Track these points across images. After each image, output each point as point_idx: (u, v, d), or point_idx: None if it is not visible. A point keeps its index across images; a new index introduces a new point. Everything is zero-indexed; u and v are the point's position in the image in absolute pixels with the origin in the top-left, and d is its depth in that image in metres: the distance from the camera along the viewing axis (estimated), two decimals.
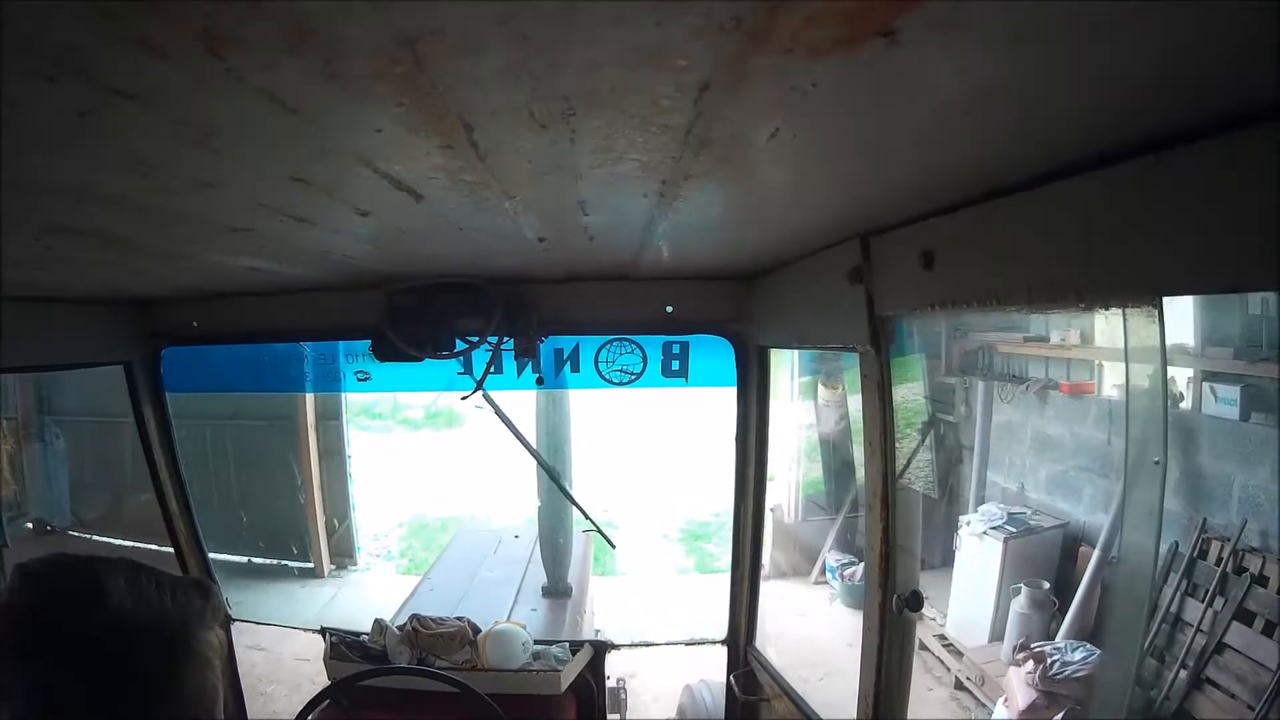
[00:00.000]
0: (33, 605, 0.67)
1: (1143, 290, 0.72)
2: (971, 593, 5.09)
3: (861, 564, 5.52)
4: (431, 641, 2.33)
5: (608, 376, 2.23)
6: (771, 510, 6.94)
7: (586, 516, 2.75)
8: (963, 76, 0.52)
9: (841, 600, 6.15)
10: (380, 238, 1.19)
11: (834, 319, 1.40)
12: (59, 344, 1.79)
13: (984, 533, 5.01)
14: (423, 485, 10.93)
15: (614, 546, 3.03)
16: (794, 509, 7.02)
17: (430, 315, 1.88)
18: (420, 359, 1.92)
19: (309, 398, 6.71)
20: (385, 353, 1.94)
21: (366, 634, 2.40)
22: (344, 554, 7.37)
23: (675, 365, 2.22)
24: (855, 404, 5.96)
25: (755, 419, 2.12)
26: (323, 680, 2.26)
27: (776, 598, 6.26)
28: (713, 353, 2.16)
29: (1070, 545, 4.91)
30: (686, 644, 2.73)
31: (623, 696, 2.59)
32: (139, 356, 2.09)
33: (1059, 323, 4.96)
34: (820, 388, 6.89)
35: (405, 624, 2.38)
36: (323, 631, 2.43)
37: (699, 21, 0.41)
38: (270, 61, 0.44)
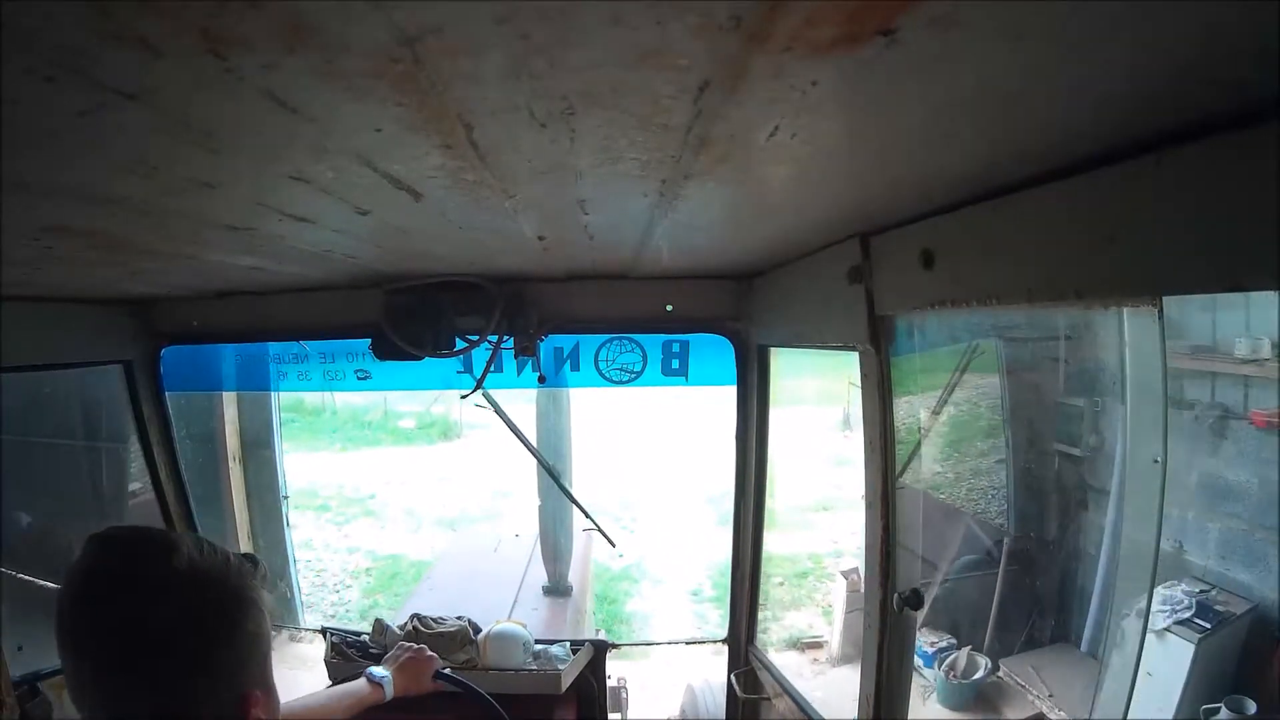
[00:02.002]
0: (110, 563, 0.76)
1: (1143, 290, 0.72)
2: (1139, 705, 3.56)
3: (966, 649, 4.29)
4: (432, 641, 2.33)
5: (608, 375, 2.23)
6: (845, 575, 5.49)
7: (587, 515, 2.75)
8: (963, 76, 0.52)
9: (940, 699, 4.21)
10: (380, 237, 1.19)
11: (834, 318, 1.40)
12: (59, 344, 1.79)
13: (1166, 628, 3.56)
14: (404, 514, 9.66)
15: (614, 545, 3.03)
16: None
17: (430, 314, 1.88)
18: (420, 358, 1.92)
19: (228, 420, 5.10)
20: (385, 351, 1.94)
21: (367, 634, 2.40)
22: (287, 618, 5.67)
23: (675, 364, 2.22)
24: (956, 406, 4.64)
25: (755, 418, 2.12)
26: (323, 680, 2.26)
27: (850, 692, 4.65)
28: (713, 352, 2.16)
29: (1260, 638, 3.43)
30: (687, 643, 2.73)
31: (624, 696, 2.59)
32: (139, 356, 2.09)
33: (1236, 327, 3.68)
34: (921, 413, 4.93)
35: (405, 623, 2.38)
36: (323, 631, 2.43)
37: (699, 21, 0.41)
38: (270, 61, 0.44)
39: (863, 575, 5.42)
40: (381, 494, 10.48)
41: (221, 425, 4.95)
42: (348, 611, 7.19)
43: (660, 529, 8.95)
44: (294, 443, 12.33)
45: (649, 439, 11.70)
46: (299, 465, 10.94)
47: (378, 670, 1.58)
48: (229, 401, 4.66)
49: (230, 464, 4.99)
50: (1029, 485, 4.49)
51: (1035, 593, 4.43)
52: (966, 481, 4.78)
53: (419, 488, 10.64)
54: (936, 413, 4.62)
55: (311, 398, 13.48)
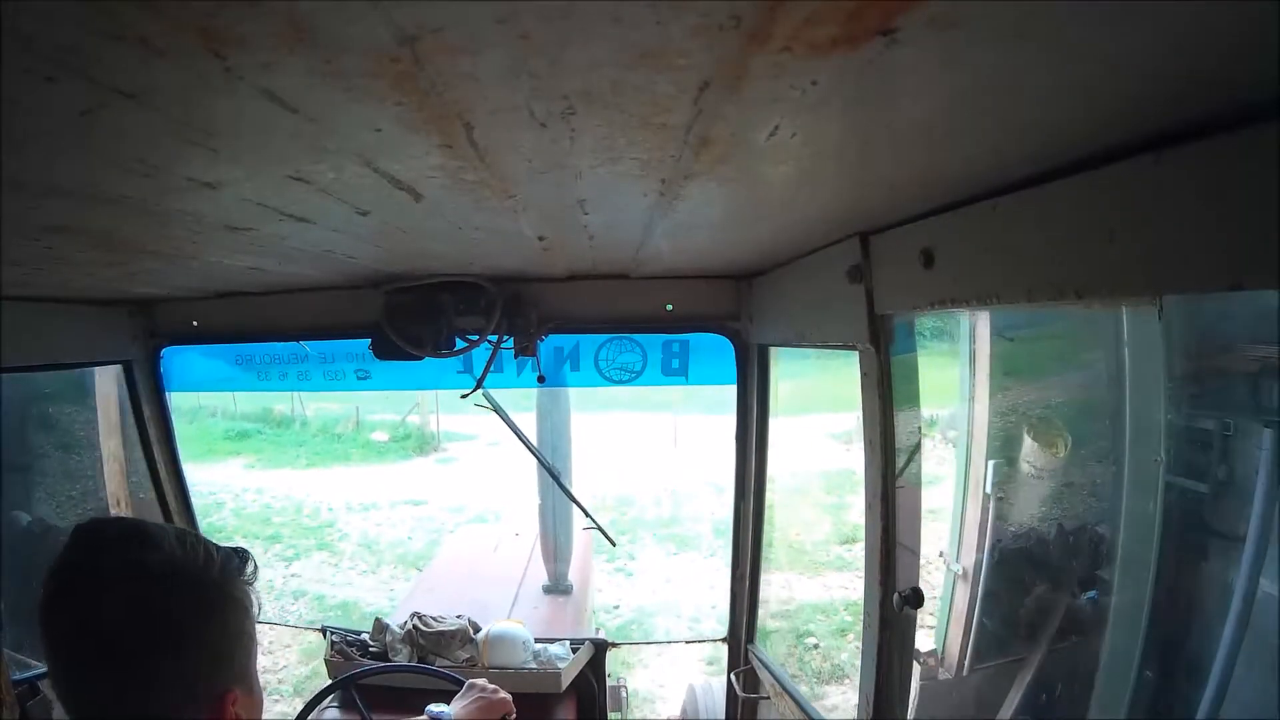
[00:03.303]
0: (83, 557, 0.75)
1: (1143, 290, 0.72)
2: None
3: None
4: (432, 640, 2.33)
5: (608, 375, 2.23)
6: (920, 661, 3.76)
7: (587, 514, 2.76)
8: (963, 75, 0.52)
9: None
10: (380, 237, 1.19)
11: (833, 317, 1.40)
12: (59, 344, 1.80)
13: None
14: (363, 550, 8.30)
15: (615, 544, 3.03)
16: (960, 653, 3.72)
17: (430, 314, 1.88)
18: (420, 358, 1.93)
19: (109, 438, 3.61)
20: (385, 351, 1.94)
21: (367, 633, 2.40)
22: None
23: (675, 364, 2.22)
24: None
25: (755, 417, 2.12)
26: (323, 679, 2.26)
27: None
28: (712, 351, 2.17)
29: None
30: (687, 642, 2.73)
31: (623, 695, 2.60)
32: (139, 356, 2.09)
33: None
34: (1026, 440, 3.73)
35: (406, 623, 2.38)
36: (323, 630, 2.44)
37: (699, 20, 0.41)
38: (270, 61, 0.44)
39: (950, 655, 3.68)
40: (342, 521, 9.13)
41: (97, 469, 3.29)
42: (281, 683, 5.07)
43: (663, 571, 7.52)
44: (256, 457, 11.60)
45: (649, 450, 10.89)
46: (257, 485, 10.16)
47: (435, 708, 1.42)
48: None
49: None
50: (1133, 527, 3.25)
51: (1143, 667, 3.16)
52: (1032, 511, 3.72)
53: (384, 515, 9.30)
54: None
55: (280, 408, 12.73)
